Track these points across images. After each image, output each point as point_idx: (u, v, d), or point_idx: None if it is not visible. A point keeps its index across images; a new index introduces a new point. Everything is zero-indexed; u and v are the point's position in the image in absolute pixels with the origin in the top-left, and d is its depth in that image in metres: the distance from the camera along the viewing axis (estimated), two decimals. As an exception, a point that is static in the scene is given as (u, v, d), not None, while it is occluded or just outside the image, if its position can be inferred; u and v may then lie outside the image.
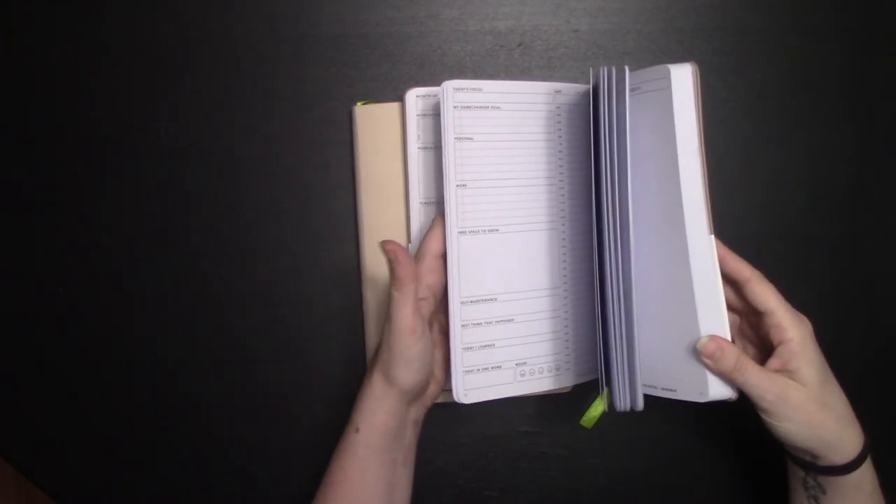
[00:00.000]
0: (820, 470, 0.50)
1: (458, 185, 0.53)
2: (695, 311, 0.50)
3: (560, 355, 0.57)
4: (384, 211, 0.59)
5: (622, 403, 0.52)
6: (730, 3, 0.61)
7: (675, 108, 0.49)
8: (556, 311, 0.56)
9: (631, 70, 0.51)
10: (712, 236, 0.49)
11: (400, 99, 0.58)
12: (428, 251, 0.52)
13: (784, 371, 0.49)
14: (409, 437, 0.54)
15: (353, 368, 0.61)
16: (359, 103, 0.60)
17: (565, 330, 0.57)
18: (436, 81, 0.60)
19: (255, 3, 0.60)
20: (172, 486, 0.62)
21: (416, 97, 0.57)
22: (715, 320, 0.50)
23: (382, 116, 0.59)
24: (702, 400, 0.50)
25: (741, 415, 0.59)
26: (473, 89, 0.53)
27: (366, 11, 0.61)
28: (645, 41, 0.62)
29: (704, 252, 0.49)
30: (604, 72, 0.50)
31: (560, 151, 0.56)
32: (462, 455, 0.62)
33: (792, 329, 0.49)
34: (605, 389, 0.58)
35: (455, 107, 0.52)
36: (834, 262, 0.62)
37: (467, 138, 0.53)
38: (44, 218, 0.61)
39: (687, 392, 0.51)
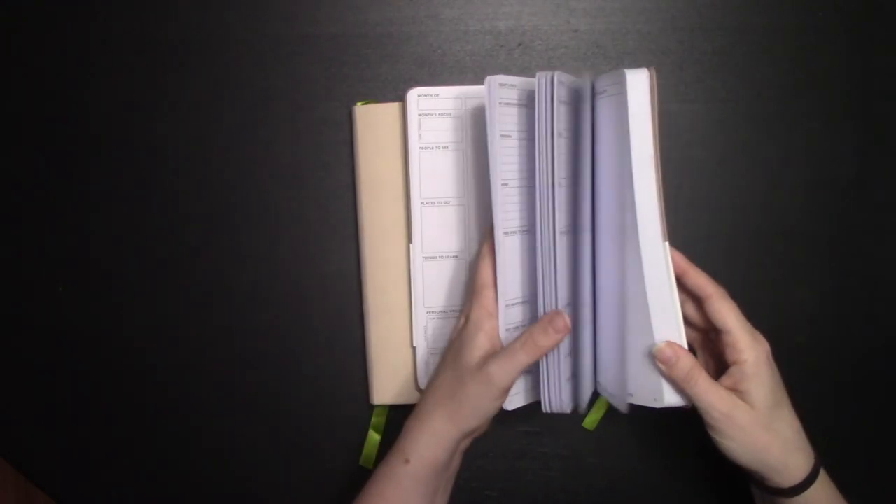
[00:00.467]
0: (766, 489, 0.50)
1: (502, 185, 0.50)
2: (648, 317, 0.49)
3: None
4: (384, 211, 0.59)
5: (550, 405, 0.51)
6: (730, 3, 0.61)
7: (630, 114, 0.48)
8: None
9: (603, 73, 0.50)
10: (666, 244, 0.48)
11: (400, 99, 0.58)
12: (488, 283, 0.51)
13: (734, 391, 0.48)
14: (454, 466, 0.53)
15: (354, 369, 0.61)
16: (359, 103, 0.60)
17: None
18: (436, 81, 0.60)
19: (255, 3, 0.60)
20: (172, 486, 0.62)
21: (417, 97, 0.57)
22: (669, 327, 0.49)
23: (382, 116, 0.59)
24: (656, 406, 0.50)
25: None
26: (511, 85, 0.51)
27: (366, 11, 0.61)
28: (645, 41, 0.62)
29: (658, 259, 0.48)
30: (545, 79, 0.48)
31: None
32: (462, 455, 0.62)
33: (748, 350, 0.48)
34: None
35: (499, 103, 0.50)
36: (834, 262, 0.62)
37: (507, 136, 0.51)
38: (42, 218, 0.61)
39: (643, 397, 0.50)
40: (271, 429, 0.61)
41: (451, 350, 0.52)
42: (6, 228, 0.61)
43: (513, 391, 0.53)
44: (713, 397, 0.47)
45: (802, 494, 0.48)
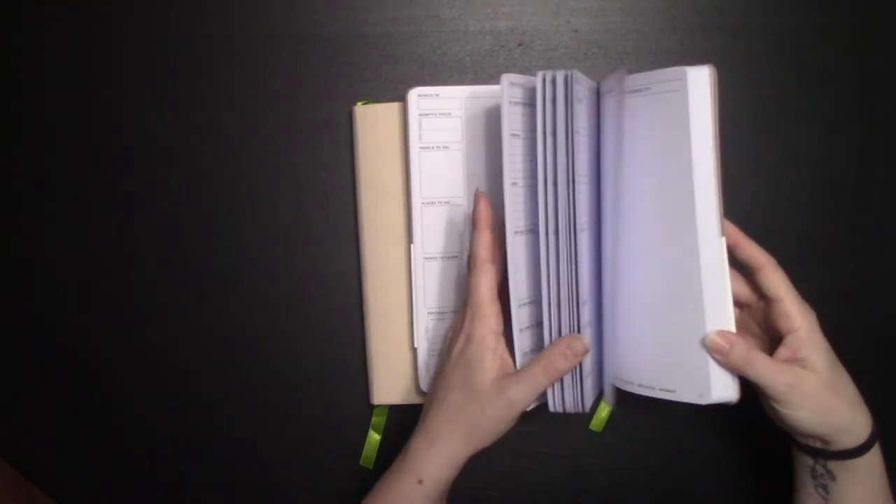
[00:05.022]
0: (831, 455, 0.50)
1: (511, 184, 0.50)
2: (703, 311, 0.49)
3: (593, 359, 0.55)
4: (384, 211, 0.59)
5: (573, 404, 0.51)
6: (730, 3, 0.61)
7: (690, 111, 0.48)
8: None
9: (645, 68, 0.51)
10: (723, 238, 0.49)
11: (400, 99, 0.58)
12: (485, 299, 0.50)
13: (794, 360, 0.49)
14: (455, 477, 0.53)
15: (354, 369, 0.61)
16: (359, 103, 0.60)
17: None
18: (436, 81, 0.60)
19: (255, 3, 0.60)
20: (172, 486, 0.62)
21: (417, 96, 0.57)
22: (722, 320, 0.49)
23: (383, 116, 0.59)
24: (702, 402, 0.50)
25: (741, 415, 0.59)
26: (520, 84, 0.51)
27: (366, 11, 0.61)
28: (645, 41, 0.62)
29: (715, 253, 0.49)
30: (547, 76, 0.49)
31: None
32: (462, 456, 0.62)
33: (800, 318, 0.49)
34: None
35: (510, 102, 0.50)
36: (834, 262, 0.62)
37: (516, 135, 0.51)
38: (43, 218, 0.61)
39: (687, 393, 0.50)
40: (271, 429, 0.61)
41: (457, 371, 0.51)
42: (6, 229, 0.61)
43: None
44: (776, 372, 0.48)
45: (867, 454, 0.49)
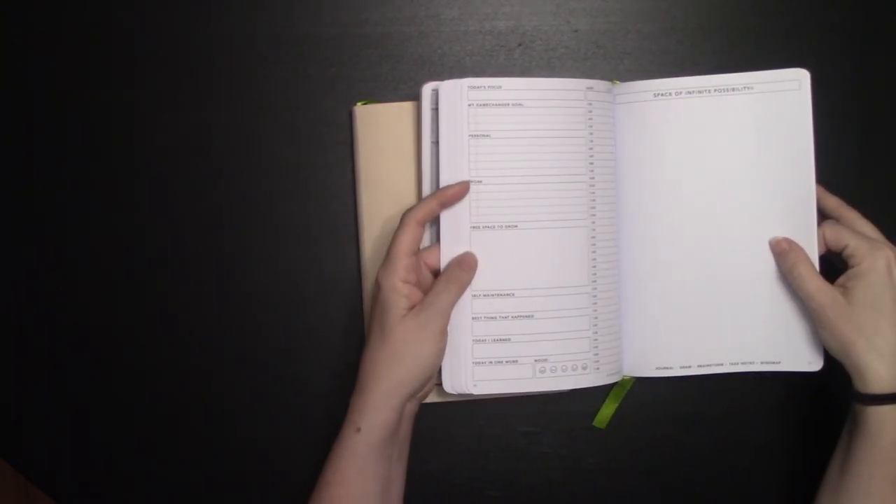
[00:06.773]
0: (853, 394, 0.51)
1: (472, 181, 0.53)
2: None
3: (587, 354, 0.56)
4: (385, 212, 0.59)
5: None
6: (730, 3, 0.61)
7: (809, 108, 0.55)
8: (585, 308, 0.55)
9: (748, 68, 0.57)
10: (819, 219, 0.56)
11: (400, 99, 0.58)
12: (401, 251, 0.51)
13: (843, 287, 0.52)
14: (405, 431, 0.54)
15: (354, 369, 0.61)
16: (359, 103, 0.60)
17: (594, 328, 0.56)
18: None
19: (255, 3, 0.60)
20: (172, 486, 0.62)
21: (430, 91, 0.57)
22: (825, 287, 0.53)
23: (383, 116, 0.59)
24: (811, 369, 0.55)
25: (740, 416, 0.59)
26: (491, 87, 0.53)
27: (366, 11, 0.61)
28: (645, 41, 0.62)
29: (812, 238, 0.55)
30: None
31: (591, 149, 0.56)
32: (462, 455, 0.62)
33: (861, 256, 0.52)
34: (619, 382, 0.58)
35: (470, 105, 0.53)
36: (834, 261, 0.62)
37: (484, 135, 0.53)
38: (41, 218, 0.61)
39: (795, 363, 0.55)
40: (270, 429, 0.62)
41: (373, 317, 0.52)
42: (4, 229, 0.61)
43: (481, 376, 0.54)
44: (814, 288, 0.52)
45: (874, 409, 0.49)
